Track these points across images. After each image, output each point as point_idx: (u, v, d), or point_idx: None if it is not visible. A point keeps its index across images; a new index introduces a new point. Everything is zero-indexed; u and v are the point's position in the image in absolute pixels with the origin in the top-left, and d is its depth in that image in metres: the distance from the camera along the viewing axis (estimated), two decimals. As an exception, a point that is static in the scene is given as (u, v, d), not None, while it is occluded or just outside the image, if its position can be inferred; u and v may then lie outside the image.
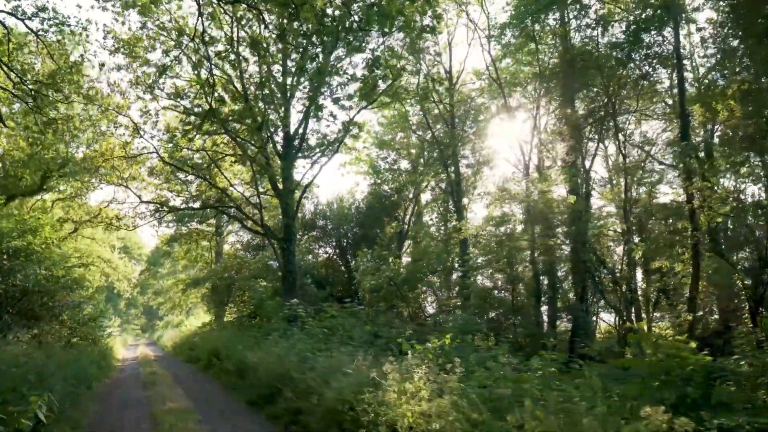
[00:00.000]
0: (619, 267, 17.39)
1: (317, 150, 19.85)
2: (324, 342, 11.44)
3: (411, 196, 29.21)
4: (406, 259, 27.27)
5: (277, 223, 22.58)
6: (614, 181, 22.20)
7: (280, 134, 19.40)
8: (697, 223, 12.79)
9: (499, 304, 17.20)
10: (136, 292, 52.02)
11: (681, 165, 12.12)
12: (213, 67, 14.91)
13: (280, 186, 18.67)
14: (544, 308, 19.30)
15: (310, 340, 11.15)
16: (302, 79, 18.10)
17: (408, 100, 25.71)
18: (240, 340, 15.00)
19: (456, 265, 22.77)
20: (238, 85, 17.73)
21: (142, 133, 17.56)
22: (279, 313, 16.83)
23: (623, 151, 14.71)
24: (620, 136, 14.94)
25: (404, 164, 30.33)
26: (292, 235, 18.29)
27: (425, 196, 30.27)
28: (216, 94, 15.34)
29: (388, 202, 27.99)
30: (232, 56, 15.19)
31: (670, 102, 18.80)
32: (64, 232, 20.72)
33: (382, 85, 15.85)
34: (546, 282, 17.93)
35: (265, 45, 16.50)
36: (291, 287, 17.95)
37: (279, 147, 19.34)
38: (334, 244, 29.51)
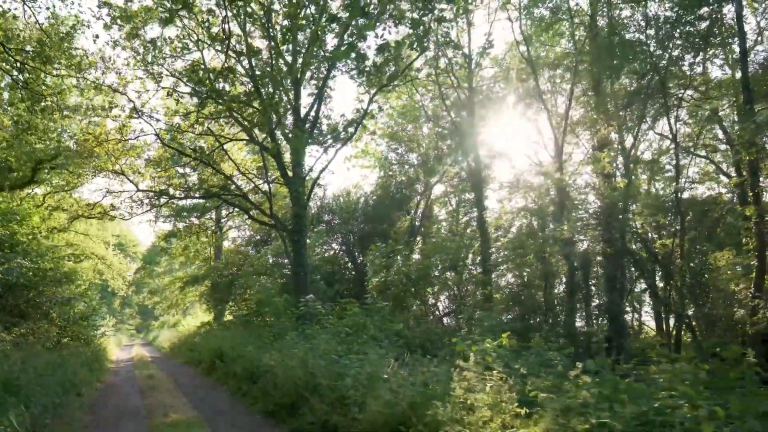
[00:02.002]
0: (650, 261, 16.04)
1: (329, 136, 18.39)
2: (347, 343, 10.00)
3: (421, 189, 27.79)
4: (415, 256, 25.87)
5: (285, 215, 21.11)
6: (635, 174, 20.80)
7: (290, 117, 17.93)
8: (763, 210, 11.46)
9: (530, 301, 15.83)
10: (131, 291, 50.44)
11: (748, 144, 10.78)
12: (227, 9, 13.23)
13: (290, 173, 17.21)
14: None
15: (333, 340, 9.69)
16: (313, 61, 16.61)
17: (423, 87, 24.39)
18: (249, 341, 13.54)
19: (472, 260, 21.40)
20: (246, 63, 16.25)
21: (139, 113, 16.01)
22: (288, 311, 15.41)
23: (674, 132, 13.30)
24: (671, 116, 13.46)
25: (413, 157, 28.92)
26: (303, 227, 16.79)
27: (437, 190, 28.80)
28: (233, 45, 13.63)
29: (399, 195, 26.58)
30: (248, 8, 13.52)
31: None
32: (53, 221, 19.15)
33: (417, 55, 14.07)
34: (572, 278, 16.50)
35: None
36: (302, 283, 16.46)
37: (288, 132, 17.86)
38: (340, 240, 28.11)
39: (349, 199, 28.21)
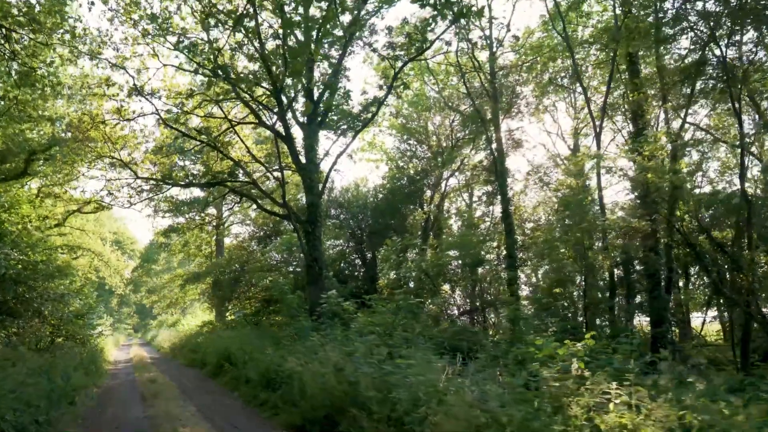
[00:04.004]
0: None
1: (343, 122, 17.02)
2: (381, 345, 8.64)
3: (435, 182, 26.43)
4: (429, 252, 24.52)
5: (294, 205, 19.70)
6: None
7: (301, 100, 16.57)
8: None
9: (566, 298, 14.55)
10: (128, 289, 49.09)
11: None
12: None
13: (302, 159, 15.84)
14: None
15: (369, 342, 8.32)
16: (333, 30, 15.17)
17: (437, 75, 23.09)
18: (262, 342, 12.20)
19: (497, 254, 20.11)
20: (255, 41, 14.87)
21: (139, 90, 14.59)
22: (303, 309, 14.08)
23: (737, 108, 11.88)
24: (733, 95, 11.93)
25: (424, 149, 27.56)
26: (318, 217, 15.40)
27: (452, 182, 27.41)
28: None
29: (412, 188, 25.24)
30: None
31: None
32: (44, 210, 17.69)
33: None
34: (613, 273, 15.14)
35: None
36: (316, 278, 15.06)
37: (299, 115, 16.48)
38: (348, 235, 26.75)
39: (357, 192, 26.87)
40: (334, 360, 7.42)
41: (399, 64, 13.29)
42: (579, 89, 23.75)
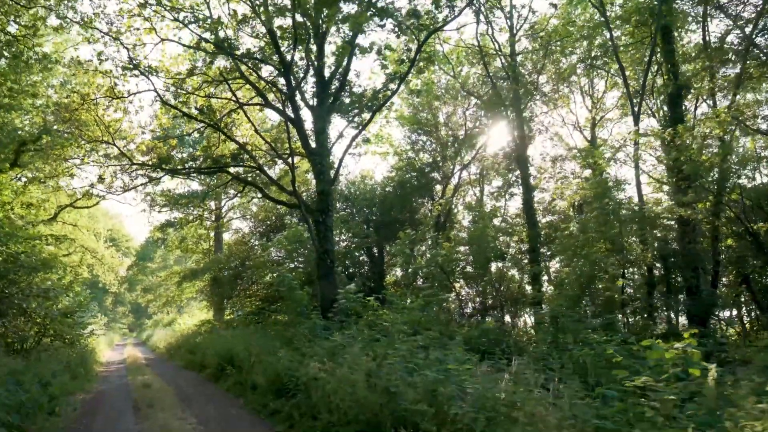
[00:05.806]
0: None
1: (355, 108, 15.70)
2: (424, 347, 7.36)
3: (449, 173, 25.17)
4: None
5: (302, 194, 18.38)
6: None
7: (311, 80, 15.29)
8: None
9: (599, 295, 13.32)
10: (123, 288, 47.69)
11: None
12: None
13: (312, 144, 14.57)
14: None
15: (409, 343, 7.05)
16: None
17: (446, 64, 21.85)
18: (271, 343, 10.91)
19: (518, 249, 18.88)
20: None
21: (135, 64, 13.26)
22: (313, 306, 12.84)
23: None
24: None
25: (433, 141, 26.29)
26: (329, 206, 14.13)
27: (465, 174, 26.13)
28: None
29: (423, 180, 24.01)
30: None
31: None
32: (27, 196, 16.34)
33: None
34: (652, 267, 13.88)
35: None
36: (328, 272, 13.77)
37: (308, 97, 15.20)
38: (354, 230, 25.48)
39: (364, 186, 25.63)
40: (365, 365, 6.15)
41: (422, 38, 12.01)
42: (597, 76, 22.79)
